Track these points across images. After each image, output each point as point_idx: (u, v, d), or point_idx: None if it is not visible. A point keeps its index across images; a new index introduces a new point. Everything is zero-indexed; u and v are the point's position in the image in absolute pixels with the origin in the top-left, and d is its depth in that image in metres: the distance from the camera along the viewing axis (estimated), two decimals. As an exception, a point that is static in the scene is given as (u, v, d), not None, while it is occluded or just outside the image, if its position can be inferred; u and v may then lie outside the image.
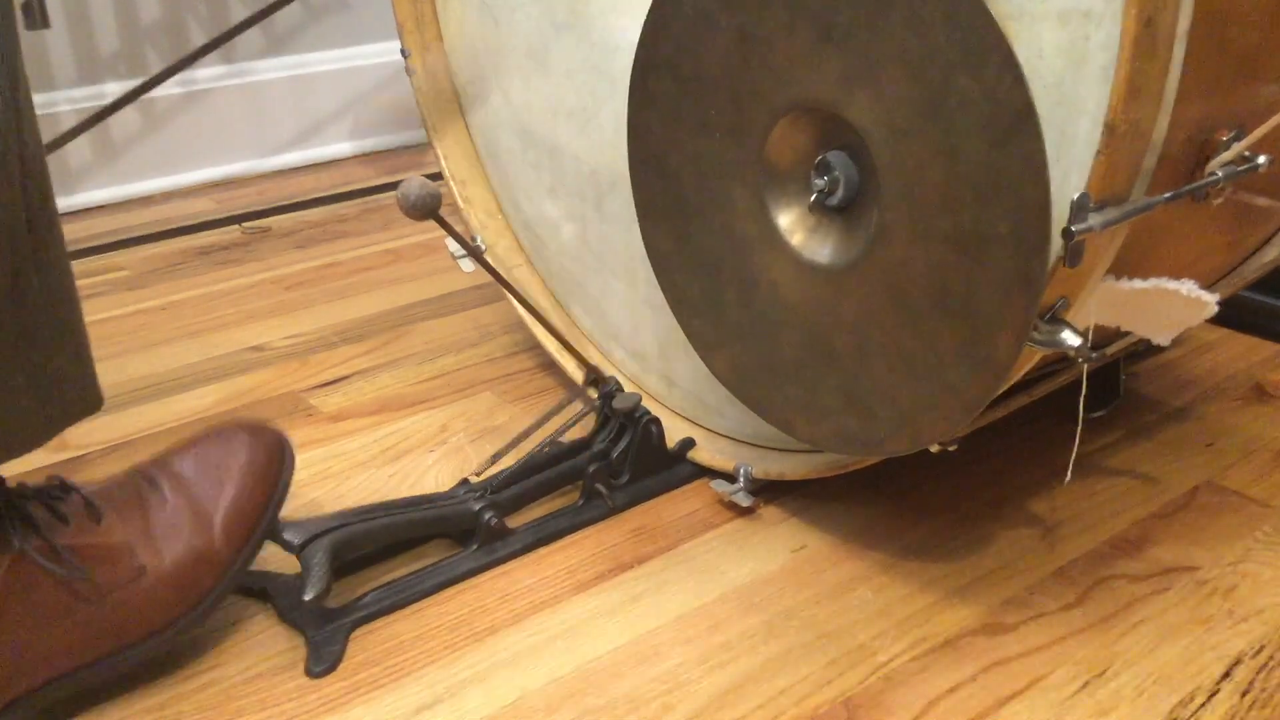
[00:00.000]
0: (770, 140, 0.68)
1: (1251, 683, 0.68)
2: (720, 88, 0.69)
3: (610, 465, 0.85)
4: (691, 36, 0.70)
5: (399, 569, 0.78)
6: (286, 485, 0.73)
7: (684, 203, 0.75)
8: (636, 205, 0.79)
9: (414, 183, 0.71)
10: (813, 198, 0.67)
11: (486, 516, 0.79)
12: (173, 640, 0.68)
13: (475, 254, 0.82)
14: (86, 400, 0.64)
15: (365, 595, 0.75)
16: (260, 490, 0.71)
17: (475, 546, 0.79)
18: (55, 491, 0.66)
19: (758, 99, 0.68)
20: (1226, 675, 0.68)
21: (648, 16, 0.72)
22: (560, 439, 0.88)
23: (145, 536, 0.67)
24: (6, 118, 0.55)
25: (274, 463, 0.72)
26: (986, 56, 0.55)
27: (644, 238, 0.80)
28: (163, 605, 0.66)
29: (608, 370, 0.95)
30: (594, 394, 0.89)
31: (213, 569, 0.68)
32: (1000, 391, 0.64)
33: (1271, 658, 0.69)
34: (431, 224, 0.74)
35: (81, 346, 0.63)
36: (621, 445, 0.86)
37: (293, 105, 1.69)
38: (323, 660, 0.70)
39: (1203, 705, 0.66)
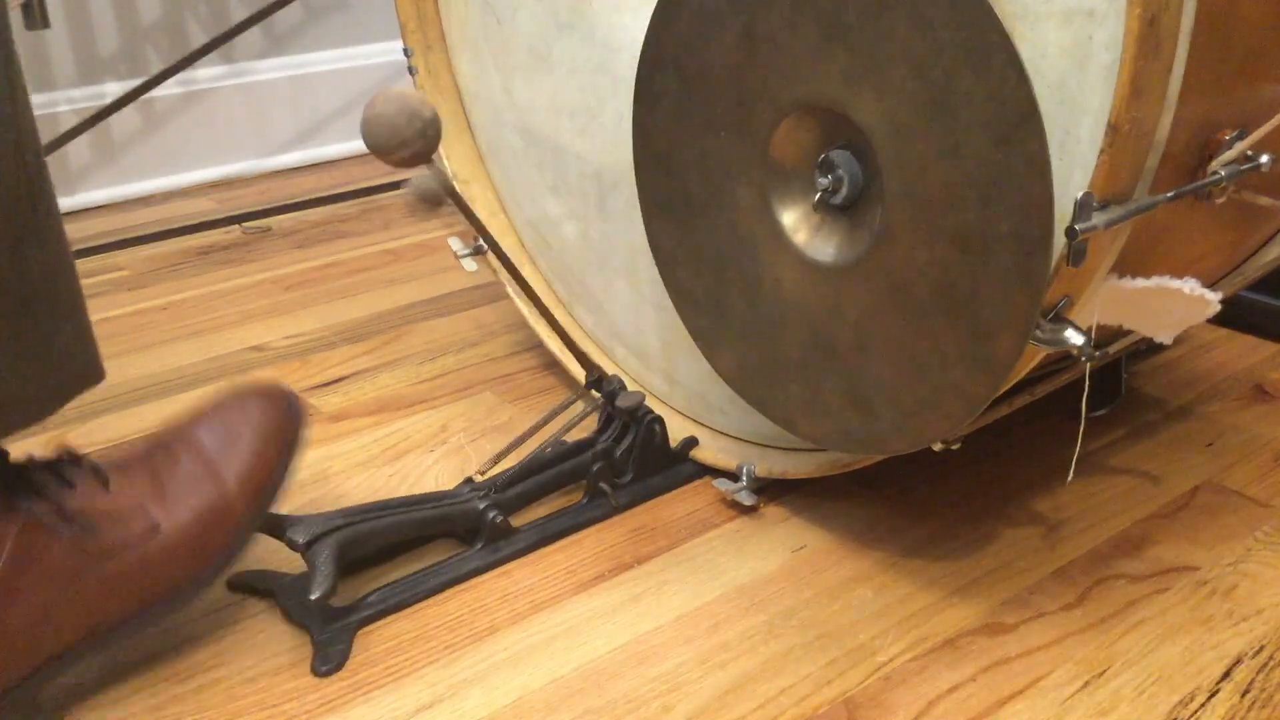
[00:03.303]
0: (775, 138, 0.68)
1: (1251, 683, 0.67)
2: (725, 86, 0.69)
3: (614, 464, 0.85)
4: (697, 34, 0.70)
5: (403, 568, 0.78)
6: (298, 442, 0.74)
7: (688, 201, 0.75)
8: (641, 203, 0.79)
9: (418, 177, 0.70)
10: (816, 196, 0.67)
11: (491, 515, 0.79)
12: (194, 594, 0.69)
13: (491, 245, 0.81)
14: (89, 372, 0.65)
15: (370, 594, 0.75)
16: (273, 448, 0.72)
17: (480, 545, 0.79)
18: (62, 461, 0.67)
19: (762, 97, 0.68)
20: (1226, 675, 0.68)
21: (653, 14, 0.72)
22: (563, 439, 0.88)
23: (158, 497, 0.68)
24: (2, 95, 0.56)
25: (286, 421, 0.73)
26: (990, 55, 0.55)
27: (649, 236, 0.80)
28: (182, 560, 0.67)
29: (610, 369, 0.95)
30: (597, 394, 0.89)
31: (229, 524, 0.69)
32: (1003, 390, 0.64)
33: (1271, 658, 0.69)
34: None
35: (82, 319, 0.64)
36: (625, 444, 0.86)
37: (293, 105, 1.69)
38: (328, 660, 0.70)
39: (1203, 705, 0.66)
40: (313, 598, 0.69)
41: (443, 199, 0.71)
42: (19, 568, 0.62)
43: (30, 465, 0.65)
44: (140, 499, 0.67)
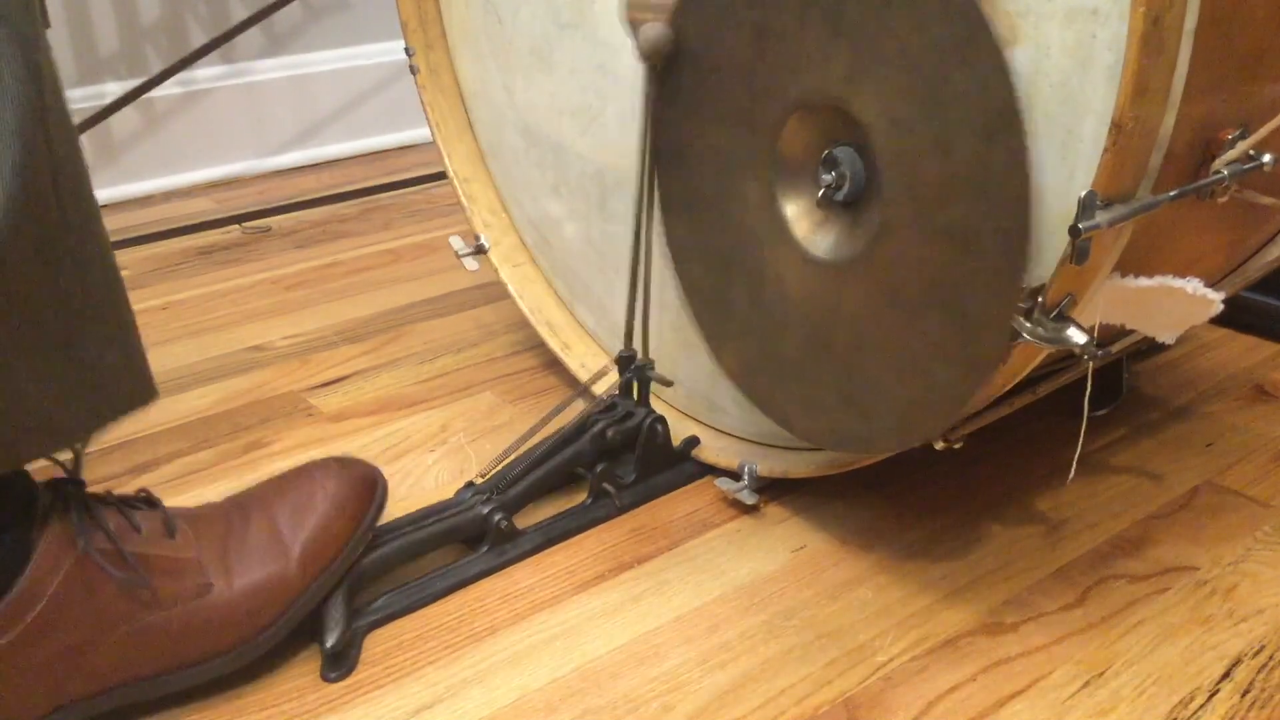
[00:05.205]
0: (783, 134, 0.69)
1: (1251, 683, 0.67)
2: (737, 81, 0.70)
3: (617, 464, 0.85)
4: (713, 30, 0.70)
5: (409, 571, 0.77)
6: (374, 521, 0.73)
7: (701, 195, 0.75)
8: (660, 197, 0.79)
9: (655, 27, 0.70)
10: (820, 193, 0.67)
11: (496, 519, 0.79)
12: (233, 664, 0.67)
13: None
14: (137, 393, 0.63)
15: (378, 598, 0.75)
16: (342, 524, 0.70)
17: (486, 549, 0.79)
18: (136, 502, 0.66)
19: (772, 93, 0.68)
20: (1226, 675, 0.68)
21: (675, 8, 0.72)
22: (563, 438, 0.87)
23: (220, 558, 0.66)
24: (32, 118, 0.54)
25: (361, 498, 0.72)
26: (978, 50, 0.55)
27: (665, 230, 0.80)
28: (226, 627, 0.66)
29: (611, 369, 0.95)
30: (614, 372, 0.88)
31: (282, 597, 0.67)
32: (1005, 390, 0.64)
33: (1271, 658, 0.69)
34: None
35: (131, 339, 0.63)
36: (628, 426, 0.85)
37: (293, 105, 1.69)
38: (338, 665, 0.69)
39: (1203, 705, 0.66)
40: (327, 646, 0.69)
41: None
42: (65, 602, 0.60)
43: (103, 500, 0.64)
44: (199, 555, 0.66)
